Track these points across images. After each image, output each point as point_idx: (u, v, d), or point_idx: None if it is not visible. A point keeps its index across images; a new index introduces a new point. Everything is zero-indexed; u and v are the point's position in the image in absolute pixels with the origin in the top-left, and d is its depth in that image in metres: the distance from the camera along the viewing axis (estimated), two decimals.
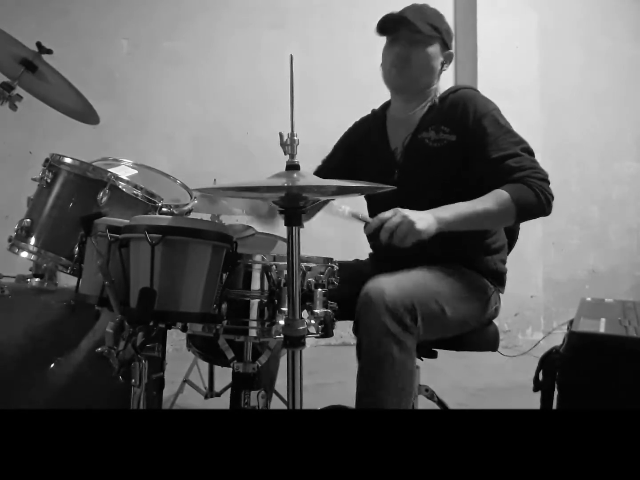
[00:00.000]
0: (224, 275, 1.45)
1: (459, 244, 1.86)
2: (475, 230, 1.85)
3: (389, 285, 1.68)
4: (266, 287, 1.49)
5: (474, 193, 1.82)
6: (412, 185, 1.92)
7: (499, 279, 2.02)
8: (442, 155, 1.92)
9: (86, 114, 2.19)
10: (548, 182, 1.81)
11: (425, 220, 1.66)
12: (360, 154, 2.13)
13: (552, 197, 1.80)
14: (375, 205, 2.12)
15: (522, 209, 1.78)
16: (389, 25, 1.96)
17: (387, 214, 1.67)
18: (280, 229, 2.12)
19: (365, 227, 1.73)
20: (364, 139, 2.15)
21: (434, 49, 1.97)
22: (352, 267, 2.03)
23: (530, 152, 1.88)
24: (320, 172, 2.19)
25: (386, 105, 2.16)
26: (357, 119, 2.24)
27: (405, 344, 1.65)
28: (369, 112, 2.21)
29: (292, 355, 1.35)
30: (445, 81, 2.06)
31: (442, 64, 2.01)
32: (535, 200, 1.77)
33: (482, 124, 1.89)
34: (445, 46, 2.00)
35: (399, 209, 1.67)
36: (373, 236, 1.70)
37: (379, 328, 1.63)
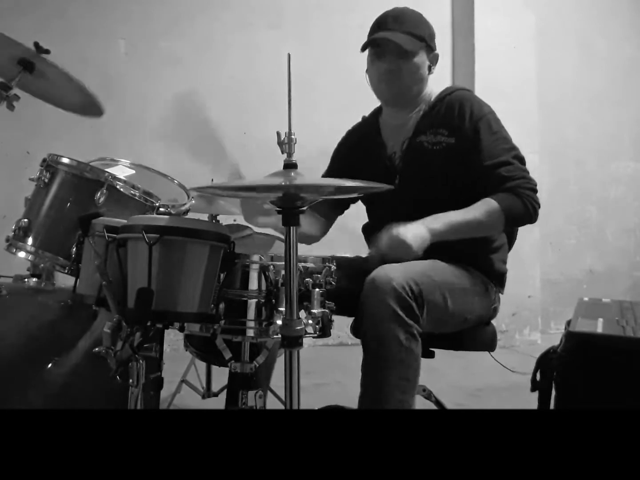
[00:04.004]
0: (222, 275, 1.45)
1: (462, 242, 1.87)
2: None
3: (396, 272, 1.68)
4: (264, 287, 1.49)
5: (472, 195, 1.84)
6: (413, 189, 1.92)
7: (499, 279, 2.03)
8: (441, 157, 1.93)
9: (88, 107, 2.17)
10: (536, 191, 1.87)
11: (419, 236, 1.71)
12: (357, 163, 2.10)
13: (539, 206, 1.87)
14: (377, 212, 2.12)
15: (511, 218, 1.85)
16: (373, 45, 1.96)
17: (383, 240, 1.71)
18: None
19: (368, 260, 1.76)
20: (358, 147, 2.13)
21: (421, 58, 1.95)
22: (353, 262, 2.03)
23: (522, 160, 1.92)
24: None
25: (378, 111, 2.15)
26: (356, 117, 2.23)
27: (411, 329, 1.65)
28: (370, 110, 2.21)
29: (290, 355, 1.35)
30: (443, 81, 2.06)
31: (430, 68, 2.00)
32: (523, 210, 1.84)
33: (477, 128, 1.90)
34: (430, 49, 1.99)
35: (392, 230, 1.71)
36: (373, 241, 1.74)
37: (385, 312, 1.63)
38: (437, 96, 2.01)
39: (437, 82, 2.04)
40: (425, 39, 1.95)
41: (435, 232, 1.75)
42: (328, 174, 2.21)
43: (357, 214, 2.20)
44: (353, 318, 1.93)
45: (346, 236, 2.14)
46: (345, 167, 2.14)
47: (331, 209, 2.18)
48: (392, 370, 1.64)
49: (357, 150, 2.13)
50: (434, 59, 2.00)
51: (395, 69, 1.94)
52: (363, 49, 1.98)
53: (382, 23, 1.96)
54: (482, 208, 1.82)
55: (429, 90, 2.03)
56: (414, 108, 2.01)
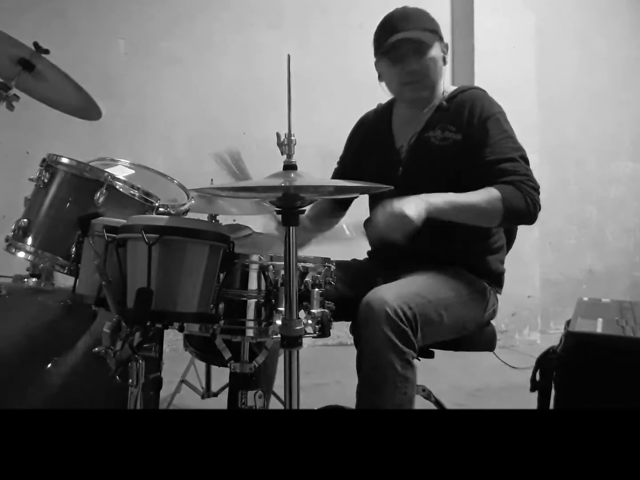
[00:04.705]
0: (221, 275, 1.45)
1: (459, 244, 1.86)
2: (469, 226, 1.83)
3: (390, 295, 1.66)
4: (263, 287, 1.49)
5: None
6: (416, 184, 1.91)
7: (497, 280, 2.02)
8: (447, 153, 1.91)
9: (87, 110, 2.17)
10: (538, 193, 1.83)
11: (414, 204, 1.66)
12: (366, 151, 2.11)
13: (539, 207, 1.81)
14: (378, 203, 2.11)
15: (509, 212, 1.78)
16: (394, 47, 1.90)
17: (379, 216, 1.68)
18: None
19: (367, 234, 1.75)
20: (369, 136, 2.13)
21: (436, 51, 1.93)
22: (350, 266, 2.03)
23: (527, 161, 1.88)
24: (338, 173, 2.20)
25: (393, 101, 2.14)
26: (356, 118, 2.22)
27: (406, 355, 1.64)
28: (372, 108, 2.20)
29: (289, 355, 1.35)
30: None
31: (444, 59, 1.98)
32: (524, 206, 1.78)
33: (486, 125, 1.88)
34: (441, 39, 1.96)
35: (387, 205, 1.67)
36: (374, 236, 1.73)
37: (380, 339, 1.62)
38: (451, 93, 1.99)
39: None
40: (436, 30, 1.94)
41: (432, 205, 1.70)
42: (343, 160, 2.23)
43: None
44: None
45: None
46: (356, 157, 2.15)
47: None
48: (387, 398, 1.63)
49: (368, 140, 2.13)
50: (445, 48, 1.97)
51: (417, 69, 1.91)
52: (382, 54, 1.93)
53: (390, 26, 1.91)
54: (483, 194, 1.78)
55: (442, 82, 2.00)
56: (430, 101, 2.00)
